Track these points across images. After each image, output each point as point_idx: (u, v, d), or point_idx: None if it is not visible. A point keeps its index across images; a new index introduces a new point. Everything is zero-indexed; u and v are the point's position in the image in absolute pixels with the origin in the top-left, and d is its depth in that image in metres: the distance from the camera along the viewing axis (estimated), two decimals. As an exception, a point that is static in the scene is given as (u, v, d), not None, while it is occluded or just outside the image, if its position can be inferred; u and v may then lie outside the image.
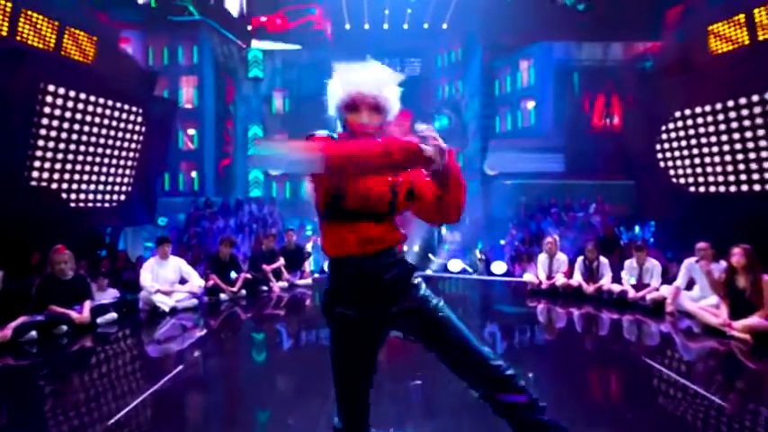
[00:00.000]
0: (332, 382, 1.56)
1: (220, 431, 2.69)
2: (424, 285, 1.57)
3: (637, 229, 10.48)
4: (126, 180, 8.41)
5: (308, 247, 8.70)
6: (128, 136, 8.21)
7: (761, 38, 6.51)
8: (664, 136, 7.84)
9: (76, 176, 7.56)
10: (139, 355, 4.21)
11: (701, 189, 7.44)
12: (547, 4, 16.23)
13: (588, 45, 15.83)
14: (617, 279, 6.03)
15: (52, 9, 6.97)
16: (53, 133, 7.09)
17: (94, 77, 7.58)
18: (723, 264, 4.66)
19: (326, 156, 1.23)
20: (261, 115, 19.72)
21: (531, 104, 17.07)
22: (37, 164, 7.02)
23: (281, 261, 7.27)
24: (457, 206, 1.44)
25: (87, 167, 7.68)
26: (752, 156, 6.70)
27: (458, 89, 19.79)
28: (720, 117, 7.00)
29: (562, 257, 6.59)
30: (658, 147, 7.95)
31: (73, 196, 7.61)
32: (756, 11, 6.51)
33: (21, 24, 6.60)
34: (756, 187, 6.67)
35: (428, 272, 9.30)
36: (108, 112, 7.76)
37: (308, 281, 7.47)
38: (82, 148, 7.52)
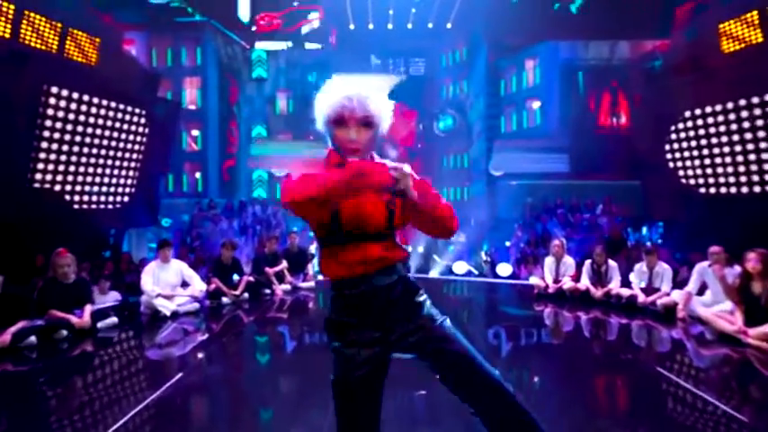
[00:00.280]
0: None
1: (220, 442, 2.63)
2: (429, 302, 1.50)
3: (644, 230, 10.33)
4: (129, 182, 8.40)
5: (312, 249, 8.64)
6: (131, 137, 8.19)
7: (774, 36, 6.37)
8: (673, 136, 7.70)
9: (80, 178, 7.56)
10: (140, 361, 4.16)
11: (712, 190, 7.30)
12: (551, 3, 16.11)
13: (595, 44, 15.66)
14: (625, 283, 5.91)
15: (55, 11, 6.96)
16: (56, 135, 7.09)
17: (97, 79, 7.57)
18: (737, 268, 4.54)
19: (292, 202, 1.23)
20: (264, 116, 19.72)
21: (536, 104, 16.91)
22: (40, 166, 7.01)
23: (284, 264, 7.21)
24: (443, 219, 1.39)
25: (90, 169, 7.67)
26: (765, 156, 6.57)
27: (462, 89, 19.67)
28: (732, 116, 6.86)
29: (569, 261, 6.49)
30: (667, 147, 7.82)
31: (76, 198, 7.60)
32: (769, 8, 6.38)
33: (23, 26, 6.60)
34: (769, 188, 6.54)
35: (432, 274, 9.22)
36: (111, 113, 7.74)
37: (312, 283, 7.41)
38: (85, 149, 7.51)
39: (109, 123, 7.75)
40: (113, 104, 7.73)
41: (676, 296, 5.21)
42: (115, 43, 8.46)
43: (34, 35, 6.74)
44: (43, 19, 6.81)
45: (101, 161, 7.78)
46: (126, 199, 8.42)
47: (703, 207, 7.40)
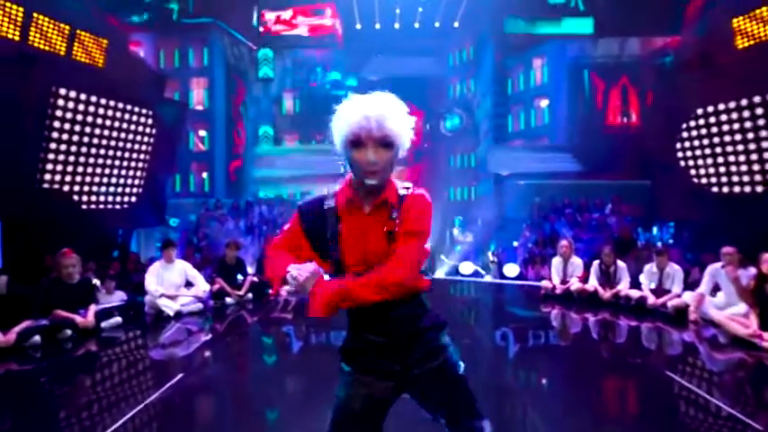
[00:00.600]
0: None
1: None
2: (449, 343, 1.42)
3: (655, 230, 10.15)
4: (136, 182, 8.46)
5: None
6: (138, 138, 8.24)
7: (788, 31, 6.21)
8: (684, 134, 7.55)
9: (88, 179, 7.62)
10: (144, 360, 4.16)
11: (725, 189, 7.13)
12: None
13: (603, 41, 15.46)
14: (635, 284, 5.79)
15: (63, 13, 7.03)
16: (65, 136, 7.15)
17: (105, 80, 7.63)
18: (751, 270, 4.41)
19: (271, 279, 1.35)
20: (271, 116, 19.79)
21: (544, 103, 16.75)
22: (49, 166, 7.08)
23: (289, 264, 7.17)
24: (383, 289, 1.27)
25: (98, 170, 7.73)
26: (779, 154, 6.40)
27: (469, 88, 19.56)
28: (746, 114, 6.70)
29: (577, 261, 6.38)
30: (678, 145, 7.66)
31: (84, 198, 7.67)
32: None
33: (32, 29, 6.66)
34: (784, 187, 6.37)
35: (438, 275, 9.15)
36: (119, 114, 7.80)
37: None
38: (93, 150, 7.57)
39: (116, 124, 7.80)
40: (121, 105, 7.79)
41: (687, 298, 5.09)
42: (122, 45, 8.53)
43: (42, 38, 6.81)
44: (51, 21, 6.88)
45: (108, 162, 7.84)
46: (133, 199, 8.48)
47: (716, 207, 7.24)
